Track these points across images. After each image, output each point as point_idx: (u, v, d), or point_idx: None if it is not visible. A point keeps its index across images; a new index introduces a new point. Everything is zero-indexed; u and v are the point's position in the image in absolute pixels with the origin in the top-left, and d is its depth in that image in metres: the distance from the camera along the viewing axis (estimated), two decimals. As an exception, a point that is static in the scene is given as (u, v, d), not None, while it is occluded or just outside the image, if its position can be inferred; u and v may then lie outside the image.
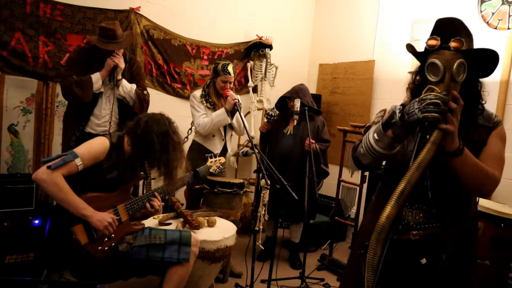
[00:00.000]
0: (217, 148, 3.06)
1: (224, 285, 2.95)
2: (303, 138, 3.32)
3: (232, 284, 2.96)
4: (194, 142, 3.12)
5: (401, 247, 1.35)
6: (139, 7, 3.55)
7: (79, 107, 2.70)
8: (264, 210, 3.20)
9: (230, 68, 2.98)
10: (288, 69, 4.72)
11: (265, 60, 4.30)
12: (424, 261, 1.38)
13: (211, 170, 2.46)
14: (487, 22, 3.35)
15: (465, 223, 1.43)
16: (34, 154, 3.20)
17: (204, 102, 3.01)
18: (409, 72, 1.50)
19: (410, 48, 1.36)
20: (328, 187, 4.33)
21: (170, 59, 3.85)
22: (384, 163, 1.63)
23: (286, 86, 3.64)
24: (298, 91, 3.42)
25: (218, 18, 4.16)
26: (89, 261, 1.85)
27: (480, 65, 1.28)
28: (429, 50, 1.28)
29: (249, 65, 4.36)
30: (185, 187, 3.42)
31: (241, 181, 3.07)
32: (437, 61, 1.20)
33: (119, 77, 2.71)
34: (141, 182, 3.51)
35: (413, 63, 3.44)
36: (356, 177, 3.43)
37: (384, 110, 1.61)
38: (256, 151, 2.37)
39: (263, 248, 3.47)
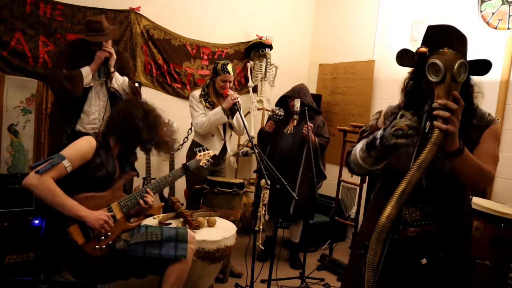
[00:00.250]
0: (216, 147, 3.06)
1: (224, 285, 2.95)
2: (303, 138, 3.32)
3: (232, 284, 2.96)
4: (193, 142, 3.12)
5: (399, 245, 1.36)
6: (139, 7, 3.55)
7: (69, 103, 2.68)
8: (264, 210, 3.20)
9: (229, 67, 2.99)
10: (288, 69, 4.72)
11: (265, 60, 4.30)
12: (424, 261, 1.39)
13: (201, 164, 2.45)
14: (487, 22, 3.35)
15: (461, 220, 1.46)
16: (34, 154, 3.19)
17: (203, 102, 3.01)
18: (409, 73, 1.51)
19: (400, 61, 1.42)
20: (328, 187, 4.33)
21: (170, 59, 3.85)
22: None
23: (286, 86, 3.64)
24: (299, 90, 3.42)
25: (218, 18, 4.16)
26: (88, 261, 1.85)
27: (474, 67, 1.30)
28: (420, 57, 1.30)
29: (249, 65, 4.36)
30: (185, 187, 3.42)
31: (241, 181, 3.08)
32: (438, 61, 1.20)
33: (113, 69, 2.69)
34: (141, 182, 3.52)
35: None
36: (356, 177, 3.43)
37: (380, 112, 1.63)
38: (256, 151, 2.37)
39: (263, 248, 3.47)
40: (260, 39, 4.28)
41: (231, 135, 3.25)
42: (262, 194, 3.23)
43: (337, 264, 3.41)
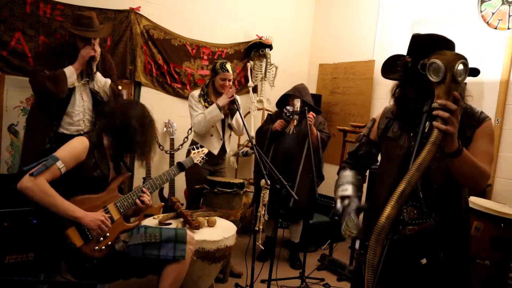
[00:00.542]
0: (215, 147, 3.06)
1: (224, 285, 2.95)
2: (305, 136, 3.32)
3: (232, 284, 2.96)
4: (192, 141, 3.12)
5: (399, 244, 1.36)
6: (139, 7, 3.55)
7: (51, 105, 2.55)
8: (264, 210, 3.20)
9: (228, 65, 2.99)
10: (288, 69, 4.72)
11: (265, 60, 4.30)
12: (424, 261, 1.39)
13: (195, 161, 2.46)
14: (487, 22, 3.35)
15: (458, 219, 1.47)
16: (34, 154, 3.19)
17: (202, 101, 3.01)
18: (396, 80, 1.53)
19: (385, 73, 1.45)
20: (328, 187, 4.32)
21: (170, 59, 3.85)
22: (379, 161, 1.68)
23: (286, 86, 3.64)
24: (300, 89, 3.42)
25: (218, 18, 4.16)
26: (87, 262, 1.85)
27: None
28: (404, 67, 1.33)
29: (249, 65, 4.36)
30: (185, 187, 3.42)
31: (241, 181, 3.08)
32: (438, 61, 1.19)
33: (95, 69, 2.61)
34: (141, 182, 3.52)
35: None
36: (356, 177, 3.42)
37: (374, 120, 1.69)
38: (256, 151, 2.37)
39: (263, 248, 3.47)
40: (260, 39, 4.28)
41: (230, 135, 3.25)
42: (262, 194, 3.23)
43: (337, 264, 3.41)
